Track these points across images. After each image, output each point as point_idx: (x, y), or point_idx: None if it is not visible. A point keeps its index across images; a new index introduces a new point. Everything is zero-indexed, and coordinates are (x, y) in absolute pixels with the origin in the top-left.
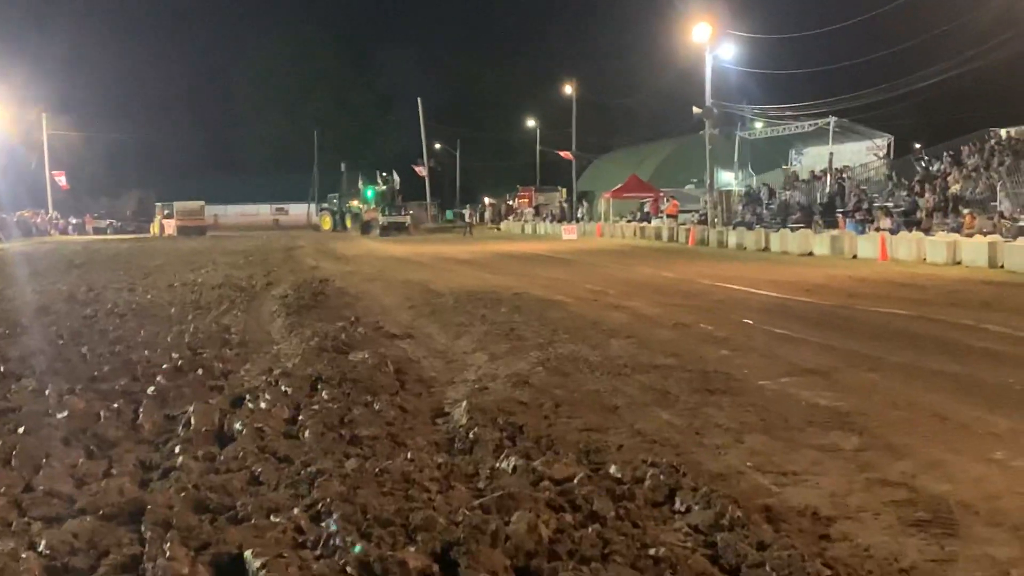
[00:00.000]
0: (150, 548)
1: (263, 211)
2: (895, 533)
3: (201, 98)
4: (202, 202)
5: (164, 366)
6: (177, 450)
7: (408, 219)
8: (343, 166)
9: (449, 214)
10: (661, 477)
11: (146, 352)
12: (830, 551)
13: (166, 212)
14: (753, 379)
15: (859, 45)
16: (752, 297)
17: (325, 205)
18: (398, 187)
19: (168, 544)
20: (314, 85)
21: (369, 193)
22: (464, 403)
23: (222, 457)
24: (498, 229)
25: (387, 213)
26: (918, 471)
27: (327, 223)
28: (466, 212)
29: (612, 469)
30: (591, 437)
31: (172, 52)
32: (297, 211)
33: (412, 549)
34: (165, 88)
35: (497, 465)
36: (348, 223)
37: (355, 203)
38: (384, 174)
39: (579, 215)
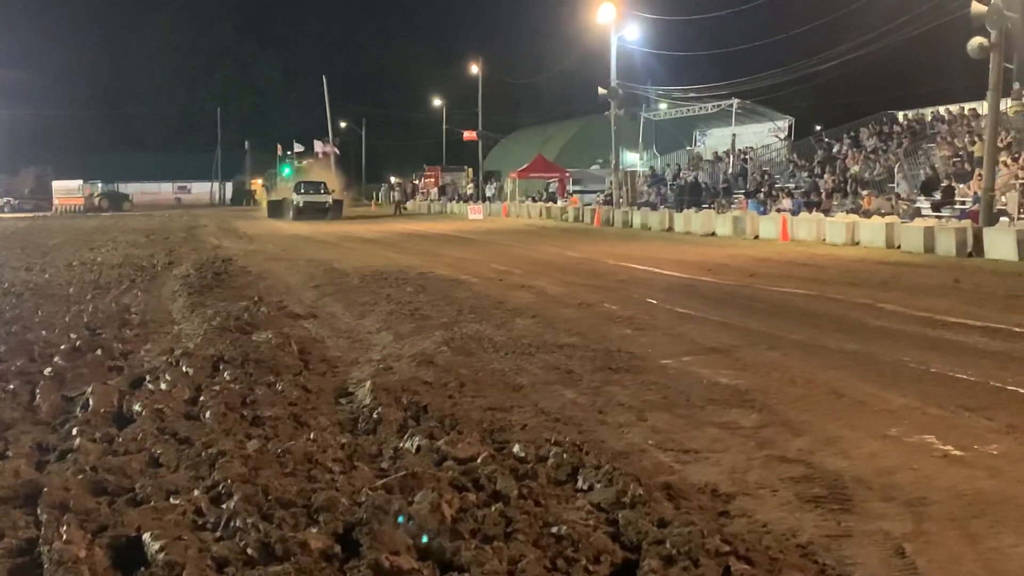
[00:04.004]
0: (46, 531)
1: (165, 189)
2: (792, 509)
3: (99, 73)
4: (80, 181)
5: (62, 346)
6: (75, 432)
7: (329, 200)
8: (247, 144)
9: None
10: (564, 456)
11: (43, 332)
12: (729, 527)
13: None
14: (656, 358)
15: (761, 28)
16: (656, 277)
17: (264, 182)
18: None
19: (65, 527)
20: (215, 61)
21: (287, 171)
22: (368, 383)
23: (121, 439)
24: (405, 208)
25: (303, 191)
26: (815, 448)
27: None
28: (396, 190)
29: (516, 448)
30: (495, 416)
31: (69, 26)
32: (200, 189)
33: (314, 530)
34: (62, 63)
35: (401, 445)
36: (251, 201)
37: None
38: (290, 152)
39: (490, 194)
